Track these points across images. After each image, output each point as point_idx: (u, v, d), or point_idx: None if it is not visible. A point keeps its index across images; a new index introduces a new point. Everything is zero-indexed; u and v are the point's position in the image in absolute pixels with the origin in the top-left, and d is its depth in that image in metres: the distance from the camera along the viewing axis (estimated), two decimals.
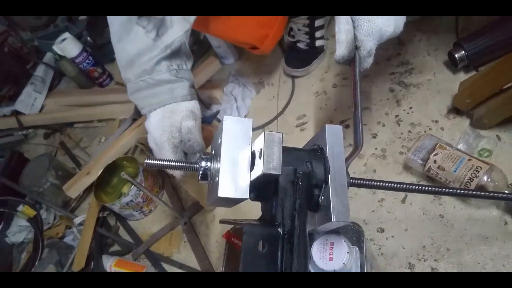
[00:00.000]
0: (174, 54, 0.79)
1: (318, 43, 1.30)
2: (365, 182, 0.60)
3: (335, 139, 0.57)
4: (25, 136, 1.78)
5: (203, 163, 0.53)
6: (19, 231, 1.30)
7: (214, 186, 0.50)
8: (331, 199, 0.52)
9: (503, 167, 0.84)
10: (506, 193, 0.81)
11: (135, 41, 0.79)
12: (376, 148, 1.06)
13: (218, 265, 1.04)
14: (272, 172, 0.44)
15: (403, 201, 0.94)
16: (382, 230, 0.93)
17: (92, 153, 1.55)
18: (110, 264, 1.12)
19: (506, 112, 0.88)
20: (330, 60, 1.33)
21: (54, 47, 1.63)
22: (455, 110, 1.01)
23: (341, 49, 0.68)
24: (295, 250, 0.50)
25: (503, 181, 0.82)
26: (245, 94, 1.36)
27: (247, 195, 0.48)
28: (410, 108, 1.08)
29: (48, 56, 1.95)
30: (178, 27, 0.80)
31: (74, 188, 1.32)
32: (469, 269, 0.81)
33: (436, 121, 1.03)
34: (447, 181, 0.86)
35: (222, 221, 0.56)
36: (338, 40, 0.67)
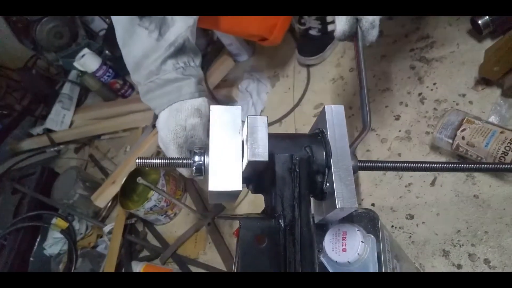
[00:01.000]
0: (179, 51, 0.78)
1: (331, 27, 1.24)
2: (375, 164, 0.55)
3: (337, 120, 0.53)
4: (57, 152, 1.86)
5: (196, 158, 0.51)
6: (54, 243, 1.34)
7: (206, 180, 0.48)
8: (334, 184, 0.48)
9: None
10: None
11: (139, 43, 0.78)
12: (399, 130, 0.99)
13: None
14: (258, 159, 0.41)
15: (433, 183, 0.87)
16: (412, 217, 0.86)
17: (118, 162, 1.59)
18: (139, 270, 1.12)
19: None
20: (345, 44, 1.27)
21: (75, 64, 1.68)
22: (484, 81, 0.92)
23: (341, 24, 0.63)
24: (297, 243, 0.46)
25: None
26: (260, 89, 1.33)
27: (239, 187, 0.45)
28: (434, 84, 1.00)
29: (73, 74, 2.02)
30: (180, 24, 0.78)
31: (102, 198, 1.35)
32: None
33: (463, 95, 0.94)
34: (479, 158, 0.78)
35: (219, 217, 0.53)
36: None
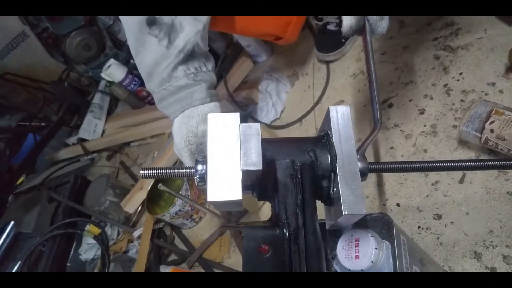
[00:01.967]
0: (189, 57, 0.78)
1: None
2: (387, 165, 0.52)
3: (342, 121, 0.51)
4: (91, 160, 1.94)
5: (199, 167, 0.50)
6: (88, 248, 1.39)
7: None
8: (340, 189, 0.46)
9: None
10: None
11: (150, 51, 0.78)
12: (425, 125, 0.94)
13: None
14: (252, 168, 0.40)
15: (461, 180, 0.82)
16: (439, 217, 0.81)
17: None
18: None
19: None
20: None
21: (102, 74, 1.74)
22: None
23: (348, 18, 0.61)
24: (302, 252, 0.44)
25: None
26: (280, 89, 1.31)
27: (238, 196, 0.44)
28: (460, 74, 0.94)
29: (102, 84, 2.09)
30: (189, 29, 0.78)
31: (131, 204, 1.38)
32: None
33: (493, 84, 0.88)
34: (510, 152, 0.72)
35: (223, 226, 0.52)
36: None
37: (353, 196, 0.46)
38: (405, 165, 0.53)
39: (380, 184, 0.94)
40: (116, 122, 1.97)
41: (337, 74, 1.22)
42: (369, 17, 0.60)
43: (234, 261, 1.10)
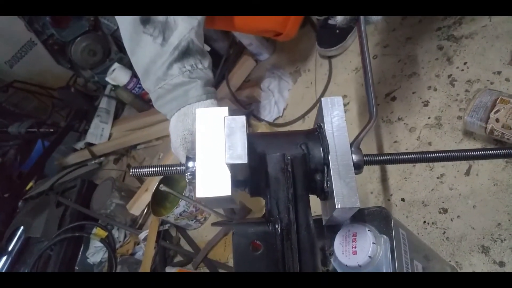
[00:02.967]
0: (184, 54, 0.77)
1: None
2: (383, 157, 0.51)
3: (335, 112, 0.49)
4: (99, 164, 1.95)
5: (190, 164, 0.49)
6: (96, 251, 1.40)
7: None
8: (333, 182, 0.44)
9: None
10: None
11: (145, 50, 0.78)
12: (429, 117, 0.92)
13: None
14: (237, 161, 0.38)
15: (467, 173, 0.79)
16: (445, 211, 0.79)
17: None
18: None
19: None
20: (367, 30, 1.20)
21: (107, 79, 1.75)
22: None
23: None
24: (294, 248, 0.43)
25: None
26: (282, 87, 1.29)
27: (228, 192, 0.43)
28: (465, 63, 0.92)
29: (108, 89, 2.11)
30: (183, 27, 0.77)
31: (136, 206, 1.39)
32: None
33: (499, 72, 0.85)
34: None
35: (214, 224, 0.51)
36: None
37: (347, 189, 0.44)
38: (402, 157, 0.51)
39: (384, 179, 0.91)
40: (122, 125, 1.98)
41: (339, 69, 1.20)
42: None
43: None
